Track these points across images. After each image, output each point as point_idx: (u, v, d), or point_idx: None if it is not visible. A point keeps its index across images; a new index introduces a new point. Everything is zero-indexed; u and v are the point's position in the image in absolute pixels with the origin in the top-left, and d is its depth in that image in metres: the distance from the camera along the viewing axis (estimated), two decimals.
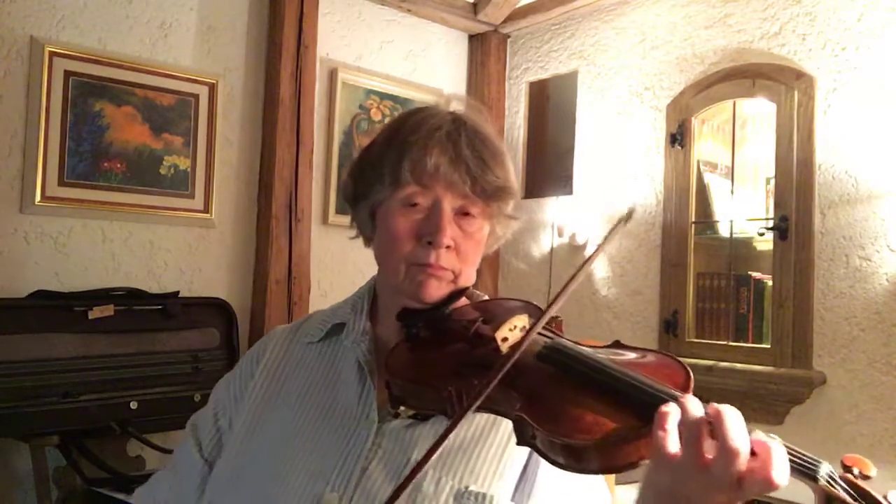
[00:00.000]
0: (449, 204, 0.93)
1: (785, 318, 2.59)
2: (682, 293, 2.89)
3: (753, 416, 2.69)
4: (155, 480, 1.08)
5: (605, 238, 0.84)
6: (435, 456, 0.78)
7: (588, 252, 3.30)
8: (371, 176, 0.96)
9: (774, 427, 2.63)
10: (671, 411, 0.65)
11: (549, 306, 0.78)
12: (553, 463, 0.70)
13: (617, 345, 0.82)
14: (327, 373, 0.99)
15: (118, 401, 2.36)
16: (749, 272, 2.78)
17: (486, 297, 1.04)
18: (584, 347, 0.80)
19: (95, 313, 2.41)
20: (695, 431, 0.64)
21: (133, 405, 2.38)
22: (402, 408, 0.89)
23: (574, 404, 0.73)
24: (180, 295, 2.70)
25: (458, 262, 0.94)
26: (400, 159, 0.92)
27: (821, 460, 0.64)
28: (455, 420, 0.72)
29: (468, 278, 0.97)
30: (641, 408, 0.68)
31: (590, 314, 3.25)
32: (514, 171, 1.00)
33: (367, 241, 1.02)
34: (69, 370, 2.34)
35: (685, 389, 0.70)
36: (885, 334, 2.41)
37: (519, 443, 0.73)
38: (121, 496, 2.22)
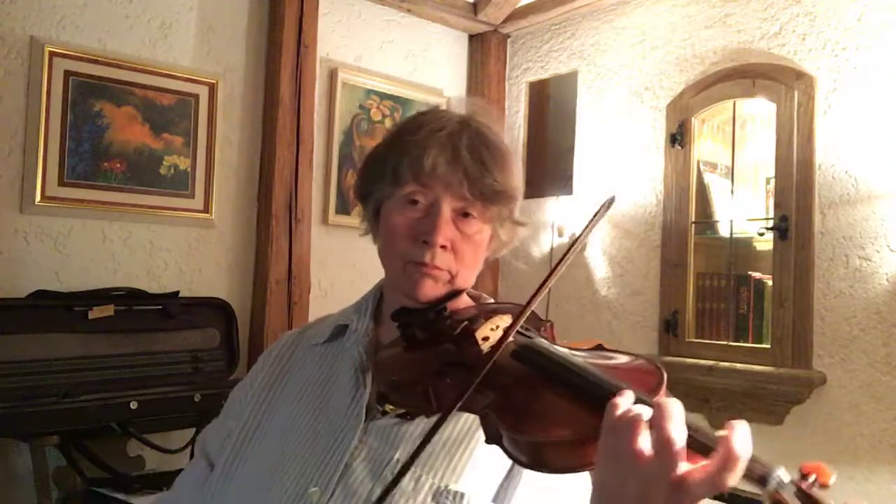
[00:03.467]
0: (448, 204, 0.93)
1: (785, 318, 2.59)
2: (682, 293, 2.89)
3: (753, 417, 2.69)
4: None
5: (586, 228, 0.83)
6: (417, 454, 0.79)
7: (586, 253, 3.30)
8: (375, 173, 0.98)
9: (774, 427, 2.63)
10: (616, 404, 0.64)
11: (528, 303, 0.78)
12: (517, 462, 0.70)
13: (599, 348, 0.82)
14: (326, 373, 1.00)
15: (118, 401, 2.35)
16: (749, 272, 2.78)
17: (493, 302, 1.05)
18: (561, 349, 0.79)
19: (95, 313, 2.42)
20: (629, 423, 0.62)
21: (133, 405, 2.37)
22: (387, 405, 0.89)
23: (539, 402, 0.73)
24: (180, 295, 2.70)
25: (454, 263, 0.94)
26: (401, 157, 0.93)
27: (774, 466, 0.60)
28: (439, 421, 0.71)
29: (466, 280, 0.97)
30: (600, 406, 0.66)
31: (590, 314, 3.25)
32: (520, 177, 0.99)
33: (375, 239, 1.03)
34: (69, 370, 2.34)
35: (655, 391, 0.68)
36: (885, 334, 2.41)
37: (487, 441, 0.72)
38: (121, 496, 2.22)
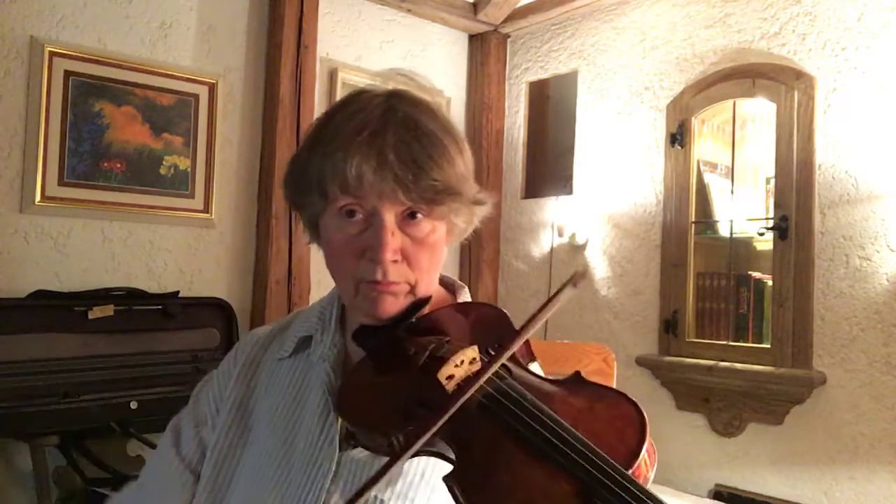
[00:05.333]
0: (389, 212, 0.81)
1: (785, 318, 2.59)
2: (682, 293, 2.89)
3: (753, 417, 2.69)
4: (127, 496, 1.00)
5: (552, 299, 0.70)
6: (387, 485, 0.76)
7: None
8: (302, 185, 0.86)
9: (774, 427, 2.63)
10: None
11: (509, 344, 0.70)
12: None
13: (576, 378, 0.73)
14: (295, 395, 0.91)
15: (118, 401, 2.35)
16: (749, 272, 2.78)
17: (467, 294, 0.98)
18: (536, 394, 0.70)
19: (95, 313, 2.41)
20: None
21: (133, 405, 2.38)
22: (354, 442, 0.82)
23: (505, 474, 0.64)
24: (180, 295, 2.70)
25: (411, 273, 0.83)
26: (322, 171, 0.81)
27: None
28: (380, 471, 0.64)
29: (427, 286, 0.87)
30: (578, 486, 0.60)
31: (590, 314, 3.25)
32: (465, 159, 0.86)
33: (320, 247, 0.92)
34: (69, 370, 2.34)
35: (636, 452, 0.62)
36: (885, 334, 2.41)
37: None
38: None
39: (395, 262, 0.82)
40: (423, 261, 0.84)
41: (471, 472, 0.65)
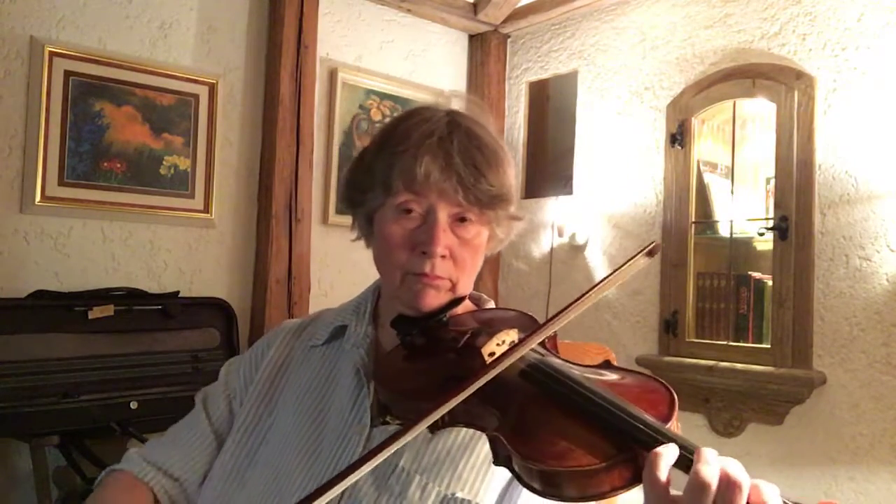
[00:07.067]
0: (444, 211, 0.90)
1: (785, 318, 2.59)
2: (682, 293, 2.89)
3: (753, 417, 2.69)
4: (154, 445, 1.07)
5: (621, 267, 0.77)
6: (411, 460, 0.79)
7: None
8: (365, 182, 0.95)
9: (774, 427, 2.63)
10: (664, 453, 0.62)
11: (545, 324, 0.76)
12: (528, 487, 0.68)
13: (606, 365, 0.80)
14: (327, 377, 0.98)
15: (118, 401, 2.35)
16: (749, 272, 2.78)
17: (493, 305, 1.03)
18: (571, 368, 0.77)
19: (95, 313, 2.41)
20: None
21: (133, 405, 2.38)
22: (389, 417, 0.87)
23: (550, 427, 0.70)
24: (180, 295, 2.70)
25: (454, 271, 0.92)
26: (391, 167, 0.90)
27: None
28: (405, 429, 0.69)
29: (466, 286, 0.95)
30: (617, 436, 0.66)
31: (590, 314, 3.25)
32: (514, 174, 0.96)
33: (368, 244, 1.01)
34: (69, 370, 2.34)
35: (667, 418, 0.68)
36: (885, 334, 2.41)
37: (495, 463, 0.70)
38: None
39: (443, 257, 0.90)
40: (467, 261, 0.93)
41: (516, 426, 0.71)
